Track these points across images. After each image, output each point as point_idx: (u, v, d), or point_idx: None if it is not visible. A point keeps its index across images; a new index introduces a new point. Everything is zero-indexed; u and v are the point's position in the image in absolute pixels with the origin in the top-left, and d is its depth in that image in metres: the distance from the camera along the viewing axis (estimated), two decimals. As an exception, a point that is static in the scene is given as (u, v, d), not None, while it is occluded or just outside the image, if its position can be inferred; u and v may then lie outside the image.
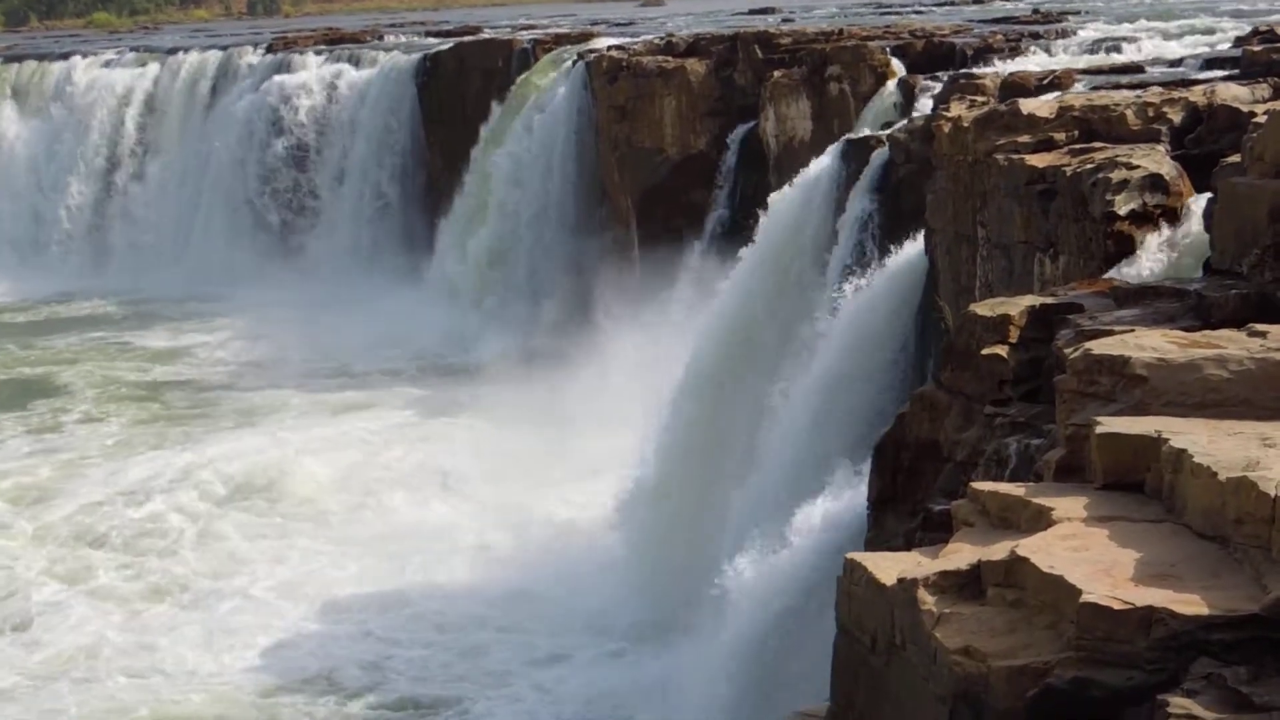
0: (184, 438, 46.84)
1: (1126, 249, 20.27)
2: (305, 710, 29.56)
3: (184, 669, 31.23)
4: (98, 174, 76.38)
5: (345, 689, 30.26)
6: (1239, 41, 37.36)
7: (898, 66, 44.73)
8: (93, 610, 34.19)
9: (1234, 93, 24.47)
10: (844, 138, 37.13)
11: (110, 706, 29.78)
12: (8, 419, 49.93)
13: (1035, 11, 64.78)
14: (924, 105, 37.00)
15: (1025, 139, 23.97)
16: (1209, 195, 18.40)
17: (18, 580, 35.84)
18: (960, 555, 11.32)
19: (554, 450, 41.15)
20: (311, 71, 71.36)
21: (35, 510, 40.53)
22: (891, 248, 30.07)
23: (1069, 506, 11.59)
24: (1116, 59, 38.42)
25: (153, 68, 77.80)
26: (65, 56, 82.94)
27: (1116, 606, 9.81)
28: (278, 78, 71.49)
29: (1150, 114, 23.60)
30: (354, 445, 45.16)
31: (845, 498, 23.78)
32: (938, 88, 36.99)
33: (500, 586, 33.99)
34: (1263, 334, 13.42)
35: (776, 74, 48.27)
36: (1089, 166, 21.66)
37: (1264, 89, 24.67)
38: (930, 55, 46.09)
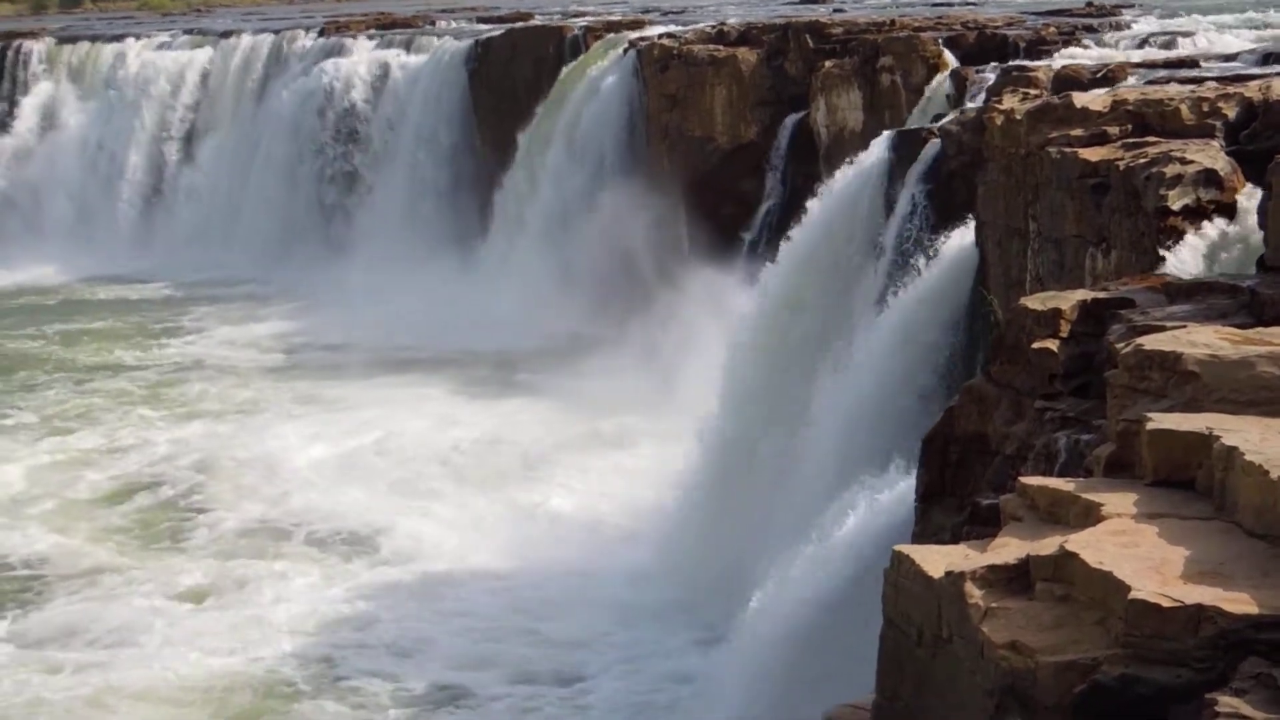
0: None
1: (1179, 244, 20.19)
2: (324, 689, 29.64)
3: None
4: (150, 157, 76.65)
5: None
6: (1296, 36, 37.15)
7: (950, 58, 44.58)
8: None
9: (1290, 88, 24.31)
10: (895, 129, 37.05)
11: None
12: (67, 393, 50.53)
13: (1089, 4, 64.38)
14: (976, 97, 36.92)
15: (1078, 132, 23.90)
16: (1263, 191, 18.30)
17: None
18: (1008, 549, 11.29)
19: (596, 439, 41.17)
20: (363, 56, 71.45)
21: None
22: (942, 240, 30.03)
23: (1118, 503, 11.54)
24: (1171, 53, 38.20)
25: (206, 51, 78.07)
26: (119, 38, 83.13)
27: (1165, 604, 9.77)
28: (330, 62, 71.61)
29: (1205, 109, 23.50)
30: (417, 428, 45.25)
31: (893, 491, 23.74)
32: (990, 79, 36.88)
33: (528, 579, 33.92)
34: (1316, 332, 13.37)
35: (828, 64, 48.23)
36: (1142, 161, 21.57)
37: (1320, 85, 24.50)
38: (983, 47, 45.88)
